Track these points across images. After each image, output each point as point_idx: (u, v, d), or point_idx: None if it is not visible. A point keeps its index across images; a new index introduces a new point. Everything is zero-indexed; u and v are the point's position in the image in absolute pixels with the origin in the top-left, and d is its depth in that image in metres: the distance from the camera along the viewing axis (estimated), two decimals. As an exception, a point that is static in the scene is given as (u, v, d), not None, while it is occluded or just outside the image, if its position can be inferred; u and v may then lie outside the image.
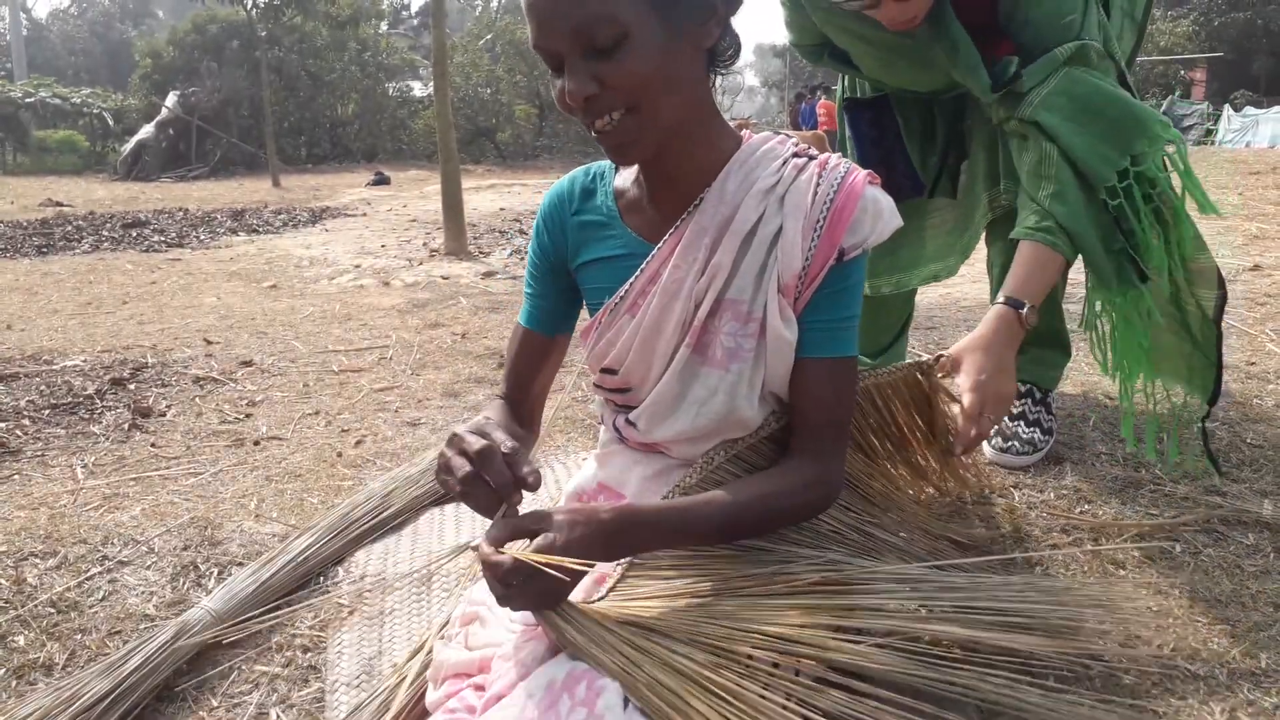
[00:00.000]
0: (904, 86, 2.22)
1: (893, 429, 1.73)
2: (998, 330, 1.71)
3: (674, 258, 1.27)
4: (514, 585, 1.04)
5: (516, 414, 1.44)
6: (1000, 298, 1.76)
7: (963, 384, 1.67)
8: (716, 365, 1.29)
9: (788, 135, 1.35)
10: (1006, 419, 2.29)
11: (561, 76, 1.15)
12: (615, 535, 1.12)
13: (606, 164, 1.41)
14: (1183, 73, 25.07)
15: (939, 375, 1.73)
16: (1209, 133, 18.61)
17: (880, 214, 1.26)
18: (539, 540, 1.06)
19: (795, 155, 1.30)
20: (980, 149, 2.24)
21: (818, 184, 1.25)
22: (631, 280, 1.31)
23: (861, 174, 1.28)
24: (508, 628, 1.24)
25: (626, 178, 1.37)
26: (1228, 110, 18.37)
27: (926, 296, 4.40)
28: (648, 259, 1.30)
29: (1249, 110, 18.12)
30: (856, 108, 2.34)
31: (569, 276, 1.42)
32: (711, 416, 1.30)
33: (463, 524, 2.06)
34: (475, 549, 1.07)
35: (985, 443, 2.28)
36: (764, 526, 1.29)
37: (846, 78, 2.38)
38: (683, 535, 1.20)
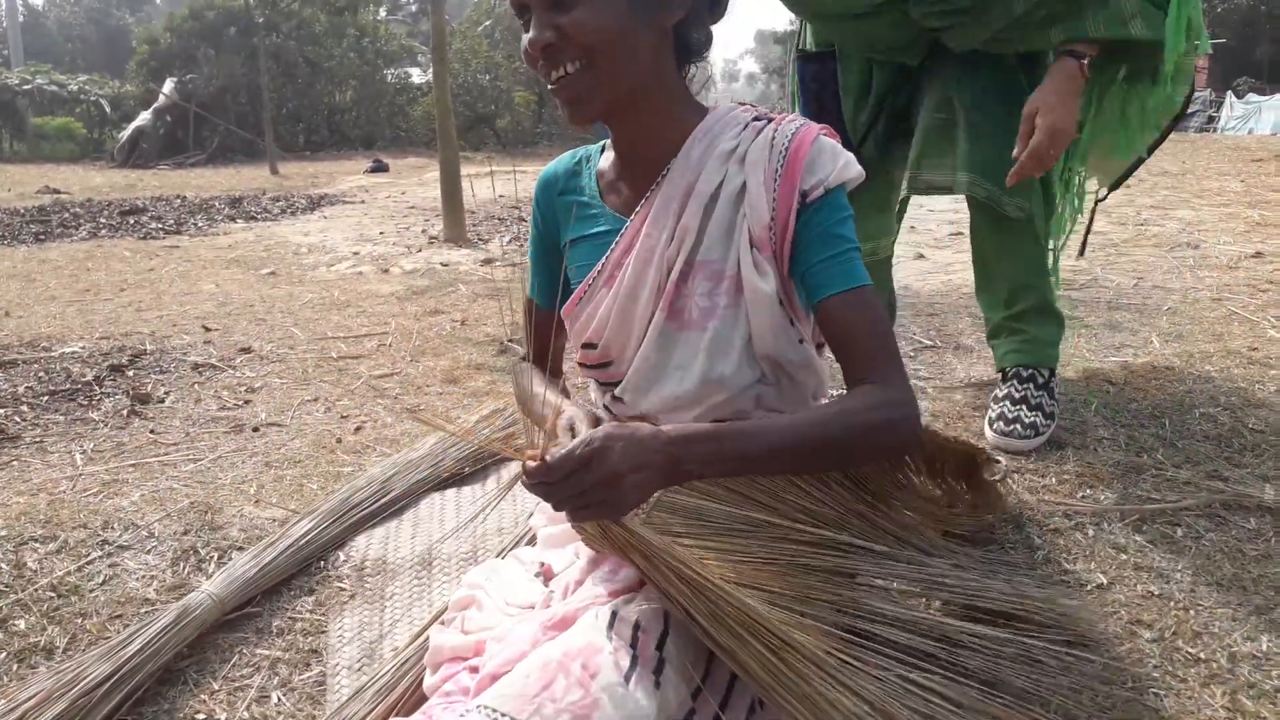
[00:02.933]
0: (876, 51, 2.35)
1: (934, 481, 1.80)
2: (1062, 78, 2.02)
3: (645, 227, 1.31)
4: (571, 481, 0.98)
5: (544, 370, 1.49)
6: (1063, 50, 2.03)
7: (1038, 122, 1.99)
8: (693, 327, 1.29)
9: (753, 106, 1.38)
10: (1008, 404, 2.28)
11: (524, 30, 1.23)
12: (670, 472, 1.05)
13: (594, 148, 1.45)
14: (1184, 59, 24.98)
15: (985, 470, 1.84)
16: (1211, 120, 18.57)
17: (838, 155, 1.28)
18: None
19: (755, 119, 1.33)
20: (919, 127, 2.32)
21: (773, 139, 1.28)
22: (608, 253, 1.34)
23: (815, 126, 1.31)
24: (504, 611, 1.24)
25: (608, 160, 1.41)
26: (1230, 97, 18.32)
27: (928, 284, 4.40)
28: (621, 231, 1.33)
29: (1251, 97, 18.08)
30: (805, 60, 2.48)
31: (560, 254, 1.44)
32: (694, 379, 1.29)
33: (463, 508, 2.06)
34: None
35: (988, 426, 2.29)
36: (842, 450, 1.15)
37: (805, 29, 2.50)
38: (744, 458, 1.09)
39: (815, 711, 1.00)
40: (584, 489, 0.98)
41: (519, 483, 1.03)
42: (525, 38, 1.23)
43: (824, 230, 1.25)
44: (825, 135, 1.30)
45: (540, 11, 1.20)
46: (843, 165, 1.27)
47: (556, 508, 1.02)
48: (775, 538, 1.28)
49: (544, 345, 1.51)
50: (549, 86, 1.26)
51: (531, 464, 0.98)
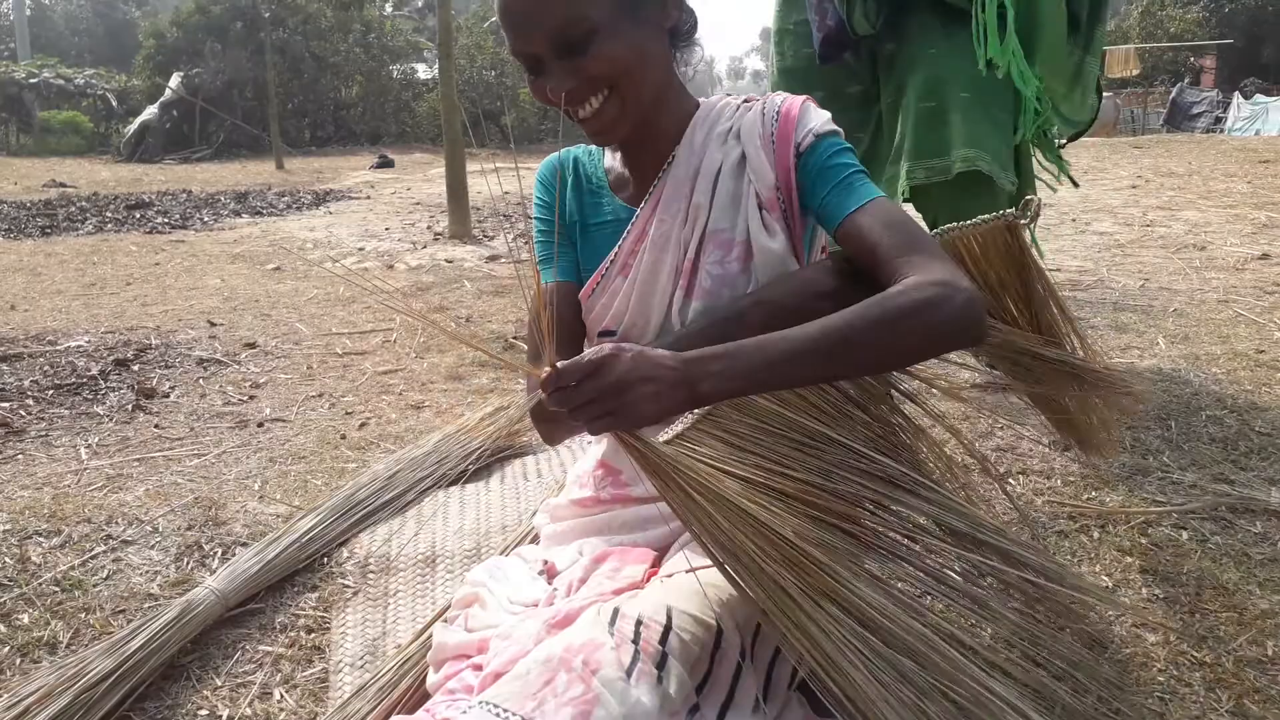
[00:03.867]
0: None
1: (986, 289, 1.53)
2: None
3: (657, 213, 1.34)
4: (587, 387, 0.99)
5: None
6: None
7: None
8: (705, 297, 1.32)
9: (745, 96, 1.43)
10: None
11: (539, 76, 1.24)
12: (685, 389, 1.03)
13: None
14: (1192, 59, 24.90)
15: (1025, 223, 1.51)
16: (1219, 120, 18.51)
17: (821, 113, 1.34)
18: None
19: (745, 101, 1.40)
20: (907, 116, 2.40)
21: (762, 112, 1.35)
22: (620, 243, 1.36)
23: (799, 97, 1.37)
24: (507, 609, 1.24)
25: (612, 156, 1.45)
26: (1237, 98, 18.24)
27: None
28: (633, 220, 1.36)
29: (1259, 98, 18.00)
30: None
31: (574, 237, 1.43)
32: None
33: (467, 507, 2.06)
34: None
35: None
36: (884, 337, 1.06)
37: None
38: (767, 365, 1.04)
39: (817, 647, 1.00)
40: (594, 396, 1.00)
41: (535, 401, 1.04)
42: (538, 83, 1.24)
43: (822, 165, 1.29)
44: (809, 102, 1.36)
45: (555, 60, 1.21)
46: (825, 118, 1.33)
47: (571, 417, 1.02)
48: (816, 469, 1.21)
49: (573, 327, 1.44)
50: (576, 122, 1.27)
51: (546, 370, 1.00)
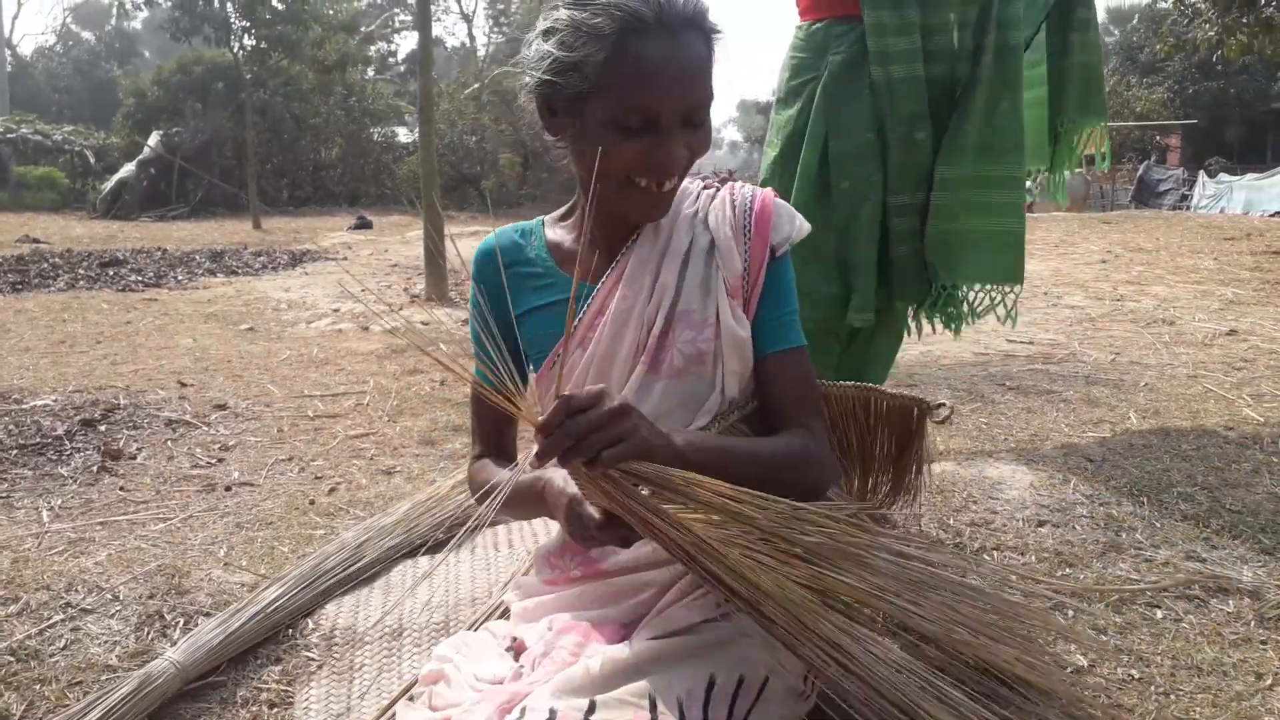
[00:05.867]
0: None
1: (865, 444, 1.78)
2: None
3: (619, 288, 1.35)
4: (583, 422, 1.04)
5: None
6: None
7: None
8: (673, 375, 1.34)
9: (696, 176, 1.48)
10: None
11: (642, 137, 1.23)
12: (647, 445, 1.11)
13: (533, 223, 1.48)
14: (1158, 138, 25.56)
15: (934, 419, 1.77)
16: (1184, 198, 18.92)
17: (793, 217, 1.41)
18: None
19: (705, 187, 1.45)
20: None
21: (732, 200, 1.41)
22: (580, 315, 1.36)
23: (767, 190, 1.43)
24: (473, 686, 1.22)
25: (559, 234, 1.44)
26: (1202, 176, 18.67)
27: (907, 355, 4.42)
28: (592, 294, 1.36)
29: (1223, 176, 18.42)
30: None
31: (511, 329, 1.41)
32: (672, 421, 1.32)
33: (435, 579, 2.02)
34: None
35: None
36: (763, 473, 1.25)
37: None
38: (693, 464, 1.16)
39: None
40: (602, 421, 1.05)
41: (530, 456, 1.09)
42: (630, 147, 1.23)
43: (781, 287, 1.38)
44: (779, 200, 1.42)
45: (679, 129, 1.24)
46: (798, 225, 1.41)
47: (576, 451, 1.04)
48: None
49: (500, 432, 1.48)
50: (657, 191, 1.28)
51: (556, 402, 1.05)
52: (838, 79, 2.41)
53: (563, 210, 1.47)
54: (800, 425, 1.35)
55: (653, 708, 1.05)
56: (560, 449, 1.04)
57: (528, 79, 1.30)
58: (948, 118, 2.43)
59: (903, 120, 2.39)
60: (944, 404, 1.75)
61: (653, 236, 1.38)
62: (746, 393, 1.39)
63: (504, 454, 1.48)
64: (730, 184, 1.45)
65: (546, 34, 1.26)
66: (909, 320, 2.68)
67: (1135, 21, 29.13)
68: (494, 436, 1.47)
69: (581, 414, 1.04)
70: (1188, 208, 18.06)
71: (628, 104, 1.21)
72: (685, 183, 1.42)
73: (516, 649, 1.32)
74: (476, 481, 1.43)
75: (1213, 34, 11.75)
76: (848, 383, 1.68)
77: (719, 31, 1.28)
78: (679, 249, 1.37)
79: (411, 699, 1.33)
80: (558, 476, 1.23)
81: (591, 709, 1.04)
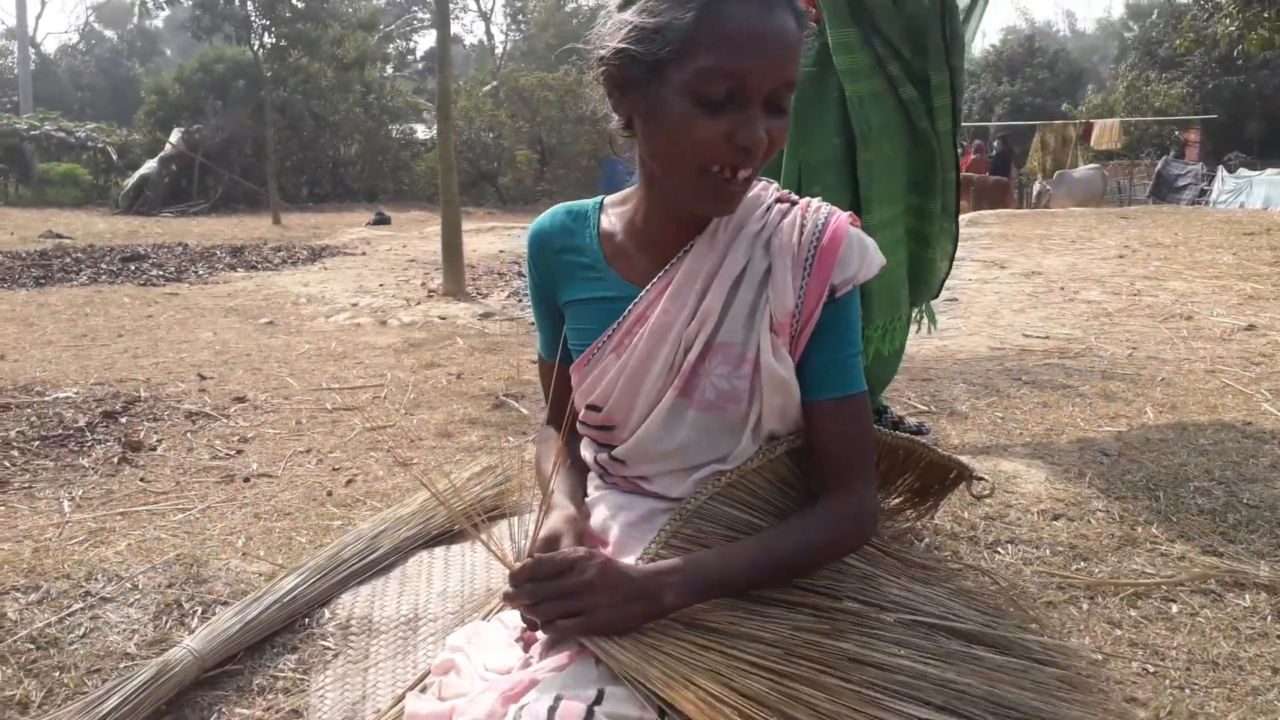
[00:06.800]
0: None
1: (891, 477, 1.78)
2: None
3: (663, 301, 1.28)
4: (548, 589, 1.08)
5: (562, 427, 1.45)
6: None
7: None
8: (705, 408, 1.29)
9: (770, 182, 1.37)
10: None
11: (711, 113, 1.13)
12: (648, 602, 1.13)
13: (590, 204, 1.42)
14: (1177, 134, 25.33)
15: (971, 491, 1.85)
16: (1203, 193, 18.76)
17: (866, 251, 1.29)
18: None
19: (778, 201, 1.33)
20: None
21: (802, 225, 1.28)
22: (619, 321, 1.32)
23: (844, 215, 1.31)
24: (482, 676, 1.22)
25: (614, 224, 1.38)
26: (1222, 171, 18.48)
27: (923, 349, 4.41)
28: (635, 300, 1.31)
29: (1243, 172, 18.24)
30: None
31: (560, 312, 1.43)
32: (700, 455, 1.31)
33: (451, 568, 2.04)
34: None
35: None
36: (797, 568, 1.26)
37: None
38: (712, 584, 1.18)
39: None
40: (560, 594, 1.08)
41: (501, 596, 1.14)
42: (710, 124, 1.13)
43: (841, 327, 1.28)
44: (853, 224, 1.30)
45: (763, 112, 1.15)
46: (871, 260, 1.29)
47: (536, 613, 1.09)
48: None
49: (563, 397, 1.45)
50: (731, 177, 1.18)
51: (520, 565, 1.09)
52: (802, 90, 2.43)
53: (623, 194, 1.39)
54: (839, 483, 1.28)
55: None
56: (520, 606, 1.10)
57: (600, 52, 1.20)
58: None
59: (872, 135, 2.44)
60: (984, 479, 1.77)
61: (708, 250, 1.28)
62: (795, 424, 1.32)
63: (571, 415, 1.47)
64: (807, 202, 1.33)
65: (625, 4, 1.18)
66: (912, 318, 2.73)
67: (1154, 16, 28.84)
68: (557, 406, 1.49)
69: (553, 579, 1.08)
70: (1207, 203, 17.91)
71: (713, 69, 1.11)
72: (757, 189, 1.33)
73: (526, 639, 1.32)
74: (538, 449, 1.52)
75: (1234, 29, 11.64)
76: (903, 435, 1.66)
77: (808, 15, 1.18)
78: (732, 271, 1.27)
79: (423, 689, 1.34)
80: (560, 515, 1.28)
81: (599, 698, 1.04)
